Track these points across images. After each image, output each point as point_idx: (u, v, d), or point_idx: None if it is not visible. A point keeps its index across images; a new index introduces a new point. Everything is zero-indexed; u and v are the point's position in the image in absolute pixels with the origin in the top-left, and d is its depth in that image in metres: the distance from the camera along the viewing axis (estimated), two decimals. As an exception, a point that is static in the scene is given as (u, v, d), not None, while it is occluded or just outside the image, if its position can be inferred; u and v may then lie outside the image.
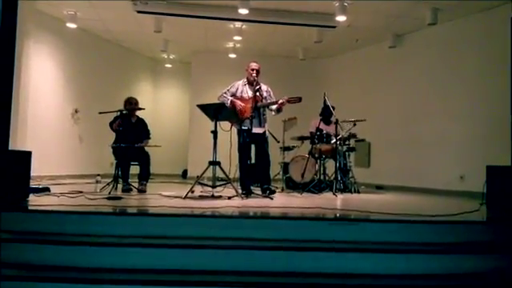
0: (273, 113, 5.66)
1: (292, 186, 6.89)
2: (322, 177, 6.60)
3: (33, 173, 4.28)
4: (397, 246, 3.21)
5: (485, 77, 6.91)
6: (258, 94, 5.52)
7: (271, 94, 5.72)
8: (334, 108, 6.76)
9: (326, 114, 6.97)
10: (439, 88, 7.69)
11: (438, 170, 7.52)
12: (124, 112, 5.96)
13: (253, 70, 5.56)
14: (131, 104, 6.08)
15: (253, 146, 5.60)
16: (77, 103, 8.72)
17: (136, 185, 5.80)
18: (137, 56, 10.79)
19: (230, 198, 4.94)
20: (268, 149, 5.65)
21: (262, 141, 5.58)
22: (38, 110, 7.50)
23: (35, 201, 4.13)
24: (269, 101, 5.62)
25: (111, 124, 5.94)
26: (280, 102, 5.47)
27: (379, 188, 8.28)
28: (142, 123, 6.19)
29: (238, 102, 5.52)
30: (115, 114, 5.90)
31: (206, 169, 5.19)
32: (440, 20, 7.14)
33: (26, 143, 6.33)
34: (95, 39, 9.21)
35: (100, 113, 5.84)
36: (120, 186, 5.75)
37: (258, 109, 5.51)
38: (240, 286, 2.77)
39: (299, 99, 5.50)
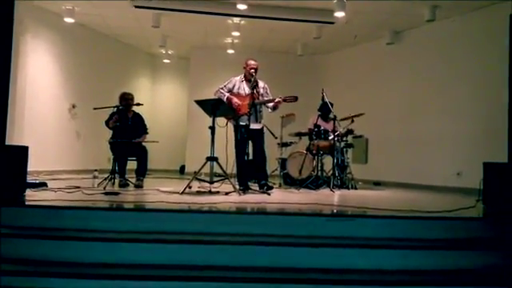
0: (269, 110, 5.68)
1: (289, 182, 6.90)
2: (319, 173, 6.61)
3: (30, 168, 4.27)
4: (393, 241, 3.22)
5: (483, 74, 6.92)
6: (255, 91, 5.51)
7: (268, 90, 5.73)
8: (332, 104, 6.77)
9: (325, 111, 6.98)
10: (437, 85, 7.69)
11: (435, 167, 7.54)
12: (120, 108, 5.96)
13: (251, 68, 5.55)
14: (127, 100, 6.06)
15: (250, 142, 5.60)
16: (74, 98, 8.69)
17: (133, 180, 5.79)
18: (135, 51, 10.75)
19: (227, 193, 4.95)
20: (264, 145, 5.66)
21: (259, 137, 5.58)
22: (35, 105, 7.48)
23: (32, 196, 4.13)
24: (265, 98, 5.63)
25: (107, 122, 5.93)
26: (276, 100, 5.50)
27: (377, 184, 8.30)
28: (138, 118, 6.17)
29: (235, 99, 5.51)
30: (111, 111, 5.89)
31: (204, 164, 5.18)
32: (438, 17, 7.14)
33: (23, 138, 6.34)
34: (93, 34, 9.17)
35: (95, 108, 5.84)
36: (117, 182, 5.75)
37: (255, 106, 5.51)
38: (237, 281, 2.77)
39: (295, 98, 5.53)
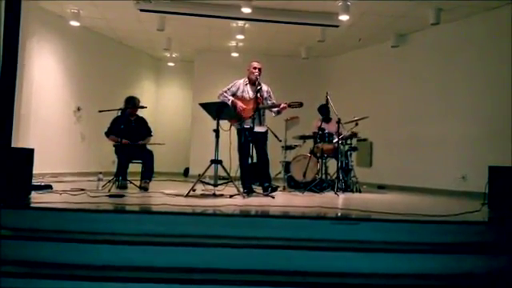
0: (273, 114, 5.71)
1: (294, 185, 6.90)
2: (323, 176, 6.60)
3: (35, 170, 4.30)
4: (398, 245, 3.21)
5: (487, 77, 6.90)
6: (258, 95, 5.51)
7: (271, 94, 5.74)
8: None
9: (324, 112, 7.01)
10: (441, 88, 7.67)
11: (439, 170, 7.51)
12: (126, 111, 5.98)
13: (255, 68, 5.56)
14: (134, 105, 6.07)
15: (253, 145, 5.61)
16: (79, 101, 8.74)
17: (138, 183, 5.80)
18: (140, 54, 10.80)
19: (231, 196, 4.95)
20: (266, 147, 5.66)
21: (262, 140, 5.59)
22: (40, 108, 7.52)
23: (37, 198, 4.15)
24: (269, 101, 5.65)
25: (107, 134, 5.95)
26: (281, 106, 5.52)
27: (381, 188, 8.28)
28: (142, 121, 6.19)
29: (239, 104, 5.51)
30: (113, 116, 5.90)
31: (208, 167, 5.19)
32: (443, 20, 7.13)
33: (29, 141, 6.35)
34: (98, 37, 9.22)
35: (100, 111, 5.85)
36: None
37: (259, 110, 5.51)
38: (240, 284, 2.77)
39: (300, 104, 5.53)
